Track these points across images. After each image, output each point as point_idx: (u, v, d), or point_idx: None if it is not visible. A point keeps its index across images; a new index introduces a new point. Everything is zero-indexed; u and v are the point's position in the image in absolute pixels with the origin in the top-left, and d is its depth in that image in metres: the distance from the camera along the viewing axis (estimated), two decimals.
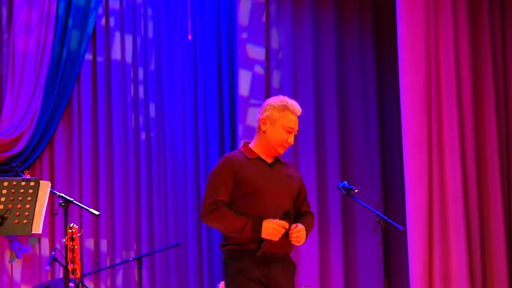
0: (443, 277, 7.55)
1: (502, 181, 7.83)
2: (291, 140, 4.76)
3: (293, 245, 4.73)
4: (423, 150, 7.63)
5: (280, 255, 4.69)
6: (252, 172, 4.68)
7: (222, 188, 4.65)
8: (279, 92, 8.11)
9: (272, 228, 4.57)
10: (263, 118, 4.76)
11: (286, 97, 4.85)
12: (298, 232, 4.65)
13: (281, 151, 4.78)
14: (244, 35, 7.99)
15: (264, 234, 4.57)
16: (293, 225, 4.66)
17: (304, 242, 4.78)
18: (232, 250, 4.66)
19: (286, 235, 4.64)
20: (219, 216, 4.61)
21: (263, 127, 4.75)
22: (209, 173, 4.83)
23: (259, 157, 4.75)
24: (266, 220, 4.59)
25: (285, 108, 4.75)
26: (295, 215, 4.81)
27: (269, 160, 4.77)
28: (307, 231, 4.75)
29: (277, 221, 4.59)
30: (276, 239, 4.59)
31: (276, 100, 4.80)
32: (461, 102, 7.78)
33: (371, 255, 8.19)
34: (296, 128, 4.80)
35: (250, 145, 4.81)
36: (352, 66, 8.47)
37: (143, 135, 7.82)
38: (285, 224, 4.60)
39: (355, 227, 8.26)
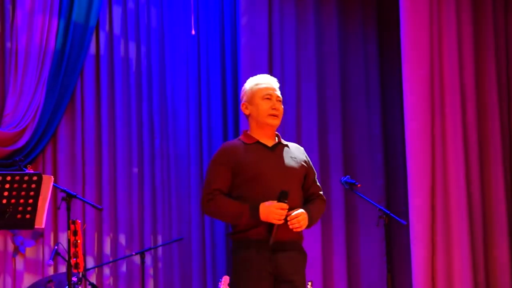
0: (446, 272, 7.56)
1: (505, 175, 7.83)
2: (276, 106, 4.65)
3: (300, 234, 4.62)
4: (426, 144, 7.63)
5: (288, 243, 4.56)
6: (251, 157, 4.58)
7: (218, 177, 4.57)
8: (283, 87, 8.11)
9: (269, 212, 4.45)
10: (242, 105, 4.72)
11: (253, 76, 4.82)
12: (297, 217, 4.50)
13: (274, 121, 4.66)
14: (247, 32, 7.98)
15: (263, 218, 4.46)
16: (290, 212, 4.51)
17: (311, 227, 4.66)
18: (238, 239, 4.57)
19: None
20: (216, 206, 4.54)
21: (246, 112, 4.70)
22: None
23: (258, 141, 4.65)
24: (263, 204, 4.47)
25: (254, 83, 4.72)
26: (304, 199, 4.68)
27: (270, 143, 4.66)
28: (314, 215, 4.62)
29: (274, 203, 4.46)
30: (279, 222, 4.46)
31: (245, 84, 4.78)
32: (464, 97, 7.78)
33: (373, 249, 8.20)
34: (276, 93, 4.69)
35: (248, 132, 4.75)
36: (355, 61, 8.47)
37: (146, 130, 7.82)
38: (282, 205, 4.46)
39: (358, 222, 8.26)
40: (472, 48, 7.83)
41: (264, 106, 4.64)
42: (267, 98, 4.65)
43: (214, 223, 7.91)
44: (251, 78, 4.79)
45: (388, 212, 5.68)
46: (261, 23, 8.05)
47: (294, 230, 4.53)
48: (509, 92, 8.00)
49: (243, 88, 4.78)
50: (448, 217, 7.61)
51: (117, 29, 7.79)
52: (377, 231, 7.92)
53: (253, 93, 4.68)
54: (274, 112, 4.65)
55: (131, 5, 7.87)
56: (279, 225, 4.46)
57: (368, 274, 8.21)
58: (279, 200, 4.47)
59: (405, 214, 7.73)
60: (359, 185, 5.74)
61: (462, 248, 7.55)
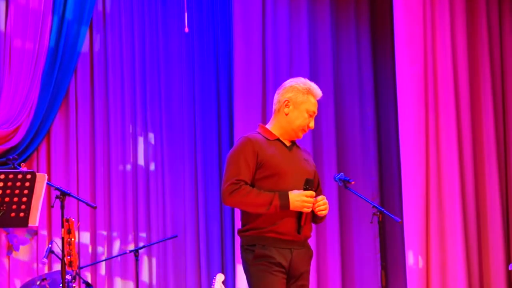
0: (440, 269, 7.57)
1: (499, 172, 7.84)
2: (312, 124, 4.68)
3: (311, 231, 4.66)
4: (420, 141, 7.64)
5: (301, 241, 4.60)
6: (272, 153, 4.56)
7: (244, 168, 4.51)
8: (275, 86, 8.11)
9: (301, 201, 4.47)
10: (286, 100, 4.66)
11: (306, 79, 4.77)
12: (322, 200, 4.56)
13: (301, 135, 4.69)
14: (240, 30, 7.98)
15: (293, 207, 4.48)
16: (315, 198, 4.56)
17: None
18: (252, 236, 4.54)
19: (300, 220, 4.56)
20: (242, 195, 4.47)
21: (286, 110, 4.65)
22: (228, 154, 4.65)
23: (278, 139, 4.65)
24: (291, 193, 4.48)
25: (309, 91, 4.70)
26: None
27: (288, 143, 4.67)
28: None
29: (302, 192, 4.50)
30: (308, 210, 4.51)
31: (299, 83, 4.72)
32: (458, 93, 7.78)
33: (367, 246, 8.21)
34: (316, 112, 4.72)
35: (267, 126, 4.71)
36: (349, 57, 8.47)
37: (140, 127, 7.82)
38: (312, 193, 4.51)
39: (352, 219, 8.27)
40: (465, 44, 7.83)
41: (305, 121, 4.66)
42: (311, 116, 4.68)
43: (208, 221, 7.91)
44: (304, 80, 4.76)
45: (382, 209, 5.67)
46: (255, 21, 8.03)
47: (319, 214, 4.58)
48: (503, 88, 8.01)
49: (291, 83, 4.72)
50: (442, 214, 7.61)
51: (111, 27, 7.79)
52: (371, 228, 7.93)
53: (303, 101, 4.66)
54: (307, 129, 4.69)
55: (124, 3, 7.86)
56: (307, 214, 4.53)
57: (362, 271, 8.21)
58: (305, 189, 4.52)
59: (399, 211, 7.74)
60: (353, 182, 5.72)
61: (456, 245, 7.56)
